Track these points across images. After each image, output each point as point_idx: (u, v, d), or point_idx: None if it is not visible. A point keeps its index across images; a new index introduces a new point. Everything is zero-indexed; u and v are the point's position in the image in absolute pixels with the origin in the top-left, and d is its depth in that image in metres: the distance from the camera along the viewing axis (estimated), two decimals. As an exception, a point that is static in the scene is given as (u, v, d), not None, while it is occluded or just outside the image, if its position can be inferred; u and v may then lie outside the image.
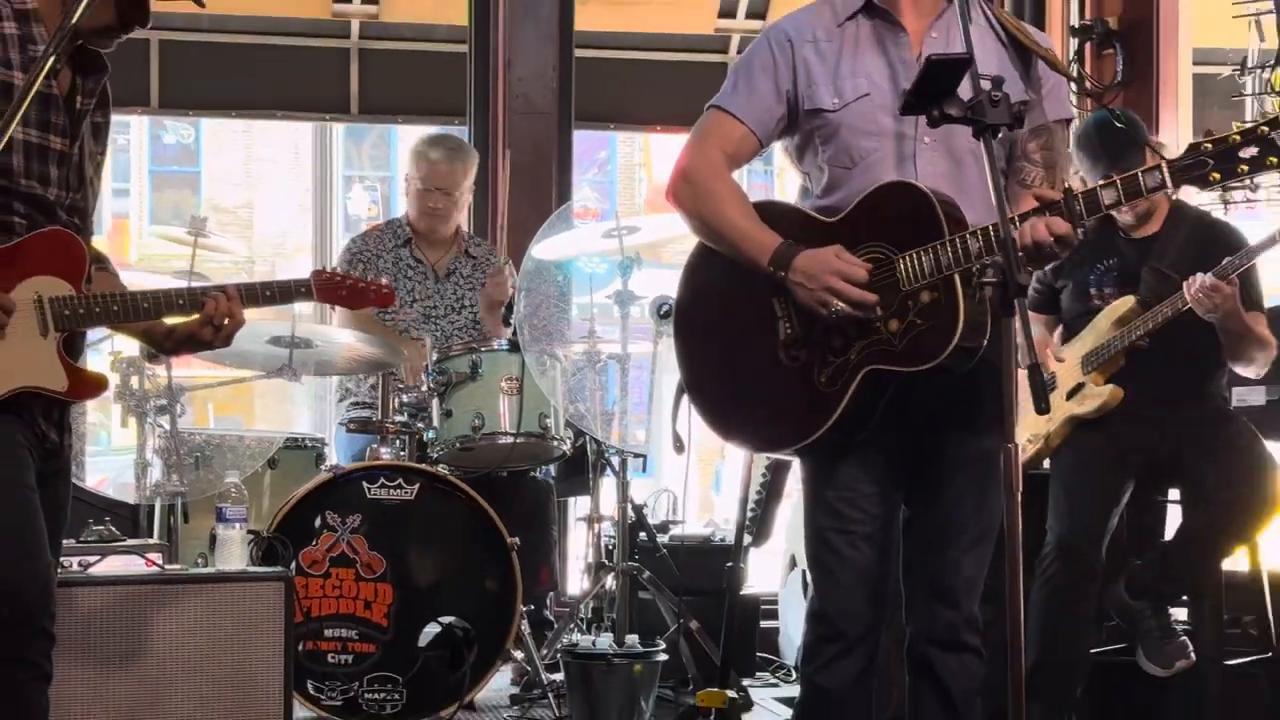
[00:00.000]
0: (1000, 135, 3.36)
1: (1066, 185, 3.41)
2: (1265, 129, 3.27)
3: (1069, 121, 3.79)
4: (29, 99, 3.04)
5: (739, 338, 3.70)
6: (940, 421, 3.59)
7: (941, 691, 3.64)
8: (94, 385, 3.46)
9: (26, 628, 3.23)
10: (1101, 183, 3.35)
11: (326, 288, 3.76)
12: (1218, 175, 3.29)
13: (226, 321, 3.48)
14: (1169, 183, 3.33)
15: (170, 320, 3.53)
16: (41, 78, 3.11)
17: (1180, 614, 5.14)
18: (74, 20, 3.11)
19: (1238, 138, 3.28)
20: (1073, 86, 5.67)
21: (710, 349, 3.80)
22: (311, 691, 4.69)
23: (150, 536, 5.01)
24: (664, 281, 5.03)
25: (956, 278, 3.36)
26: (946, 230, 3.37)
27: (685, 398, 3.93)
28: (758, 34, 4.02)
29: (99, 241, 3.69)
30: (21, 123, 3.19)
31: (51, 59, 3.12)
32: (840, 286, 3.41)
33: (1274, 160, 3.26)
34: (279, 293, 3.70)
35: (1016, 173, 3.61)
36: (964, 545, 3.62)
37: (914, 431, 3.60)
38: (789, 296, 3.54)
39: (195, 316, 3.48)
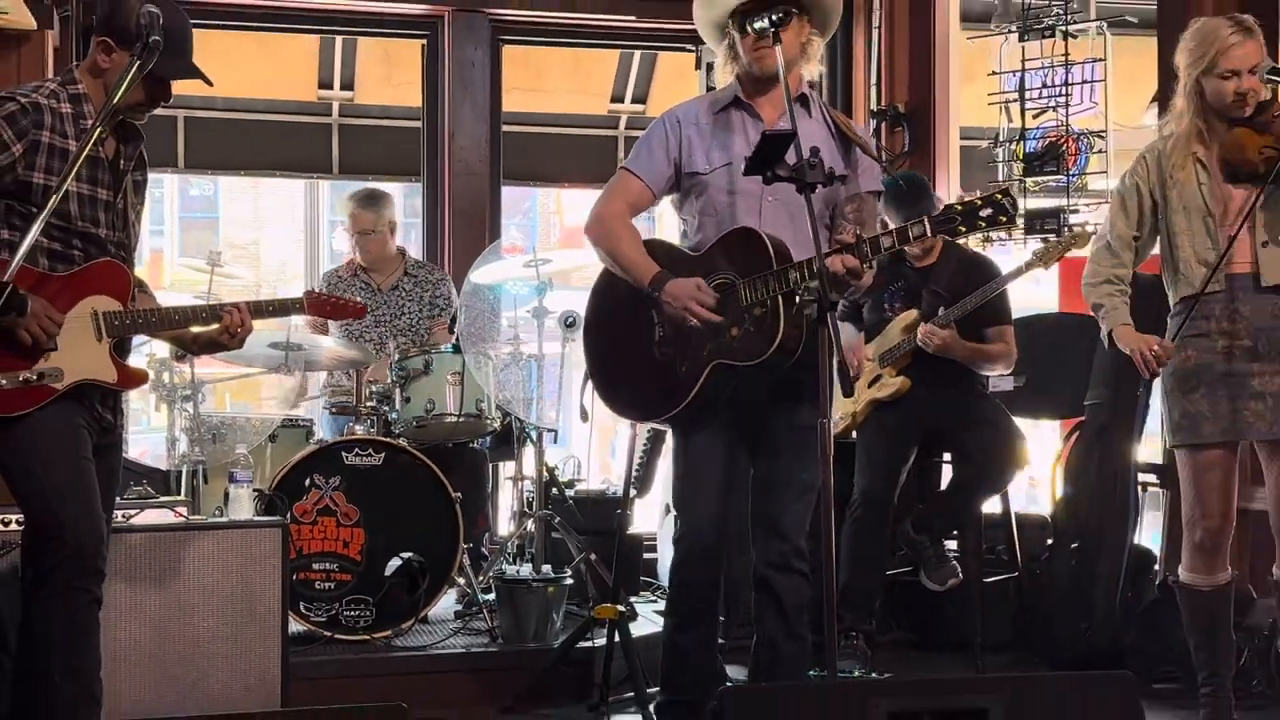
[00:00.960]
0: (817, 192, 3.46)
1: (858, 233, 3.49)
2: (999, 196, 3.41)
3: (879, 193, 3.90)
4: (80, 160, 3.08)
5: (626, 338, 3.80)
6: (771, 402, 3.70)
7: (777, 603, 3.71)
8: (138, 378, 3.49)
9: (87, 564, 3.24)
10: (881, 232, 3.48)
11: (315, 304, 3.83)
12: (964, 229, 3.43)
13: (239, 330, 3.52)
14: (929, 233, 3.46)
15: (196, 329, 3.57)
16: (90, 145, 3.14)
17: (951, 545, 5.18)
18: (115, 101, 3.15)
19: (979, 202, 3.42)
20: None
21: (606, 345, 3.91)
22: (302, 610, 4.63)
23: (178, 495, 4.97)
24: (571, 300, 5.06)
25: (780, 299, 3.49)
26: (775, 263, 3.51)
27: (589, 382, 4.02)
28: (640, 114, 4.10)
29: (140, 270, 3.69)
30: (75, 179, 3.24)
31: (98, 131, 3.15)
32: (695, 309, 3.54)
33: (1004, 219, 3.41)
34: (279, 308, 3.74)
35: (837, 228, 3.70)
36: (792, 494, 3.70)
37: (751, 409, 3.70)
38: (663, 310, 3.64)
39: (215, 326, 3.52)
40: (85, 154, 3.13)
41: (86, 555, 3.22)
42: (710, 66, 6.09)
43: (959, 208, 3.42)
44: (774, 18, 3.54)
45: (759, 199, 3.67)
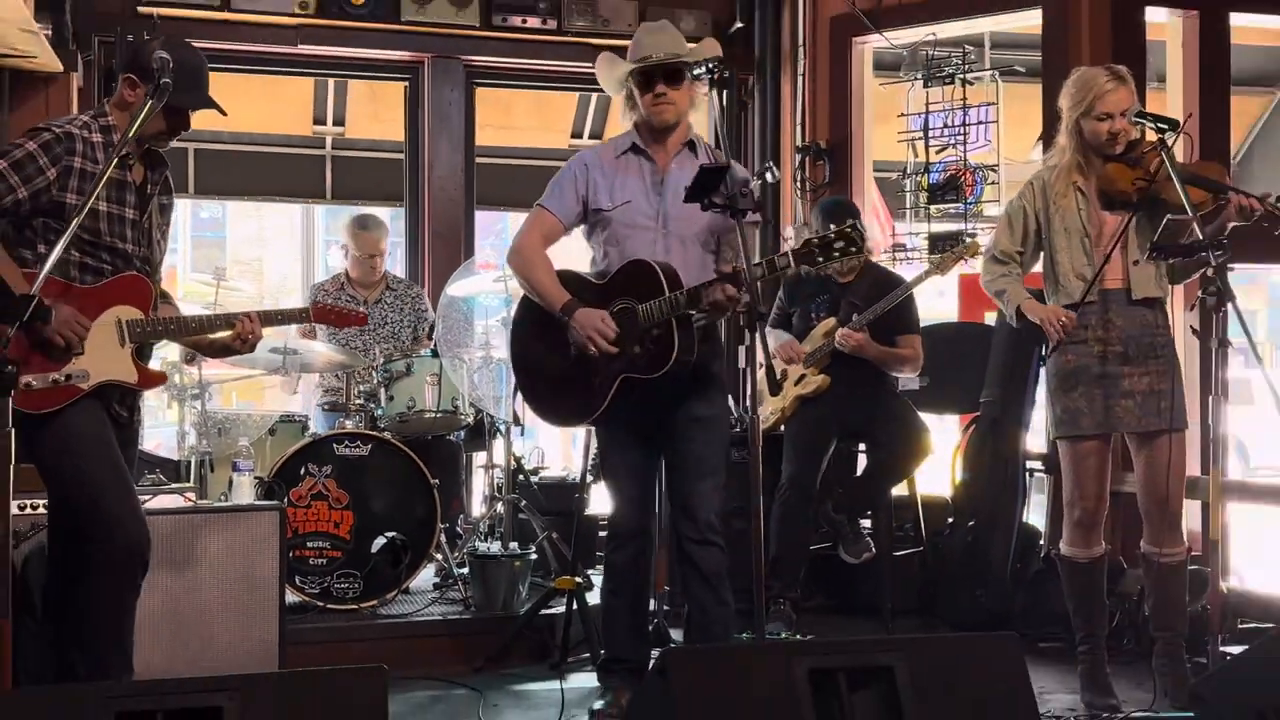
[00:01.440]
0: (704, 223, 3.70)
1: (736, 264, 3.56)
2: (848, 230, 3.49)
3: (756, 223, 3.95)
4: (103, 181, 3.08)
5: (546, 355, 3.84)
6: (674, 401, 3.75)
7: (698, 571, 3.77)
8: (157, 379, 3.47)
9: (137, 560, 3.24)
10: (755, 263, 3.52)
11: (321, 314, 3.77)
12: (821, 259, 3.53)
13: (250, 336, 3.49)
14: (793, 264, 3.59)
15: (212, 335, 3.53)
16: (113, 169, 3.16)
17: (866, 523, 5.19)
18: (131, 133, 3.15)
19: (833, 235, 3.50)
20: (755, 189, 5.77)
21: (529, 362, 3.94)
22: (298, 583, 4.61)
23: (188, 482, 4.92)
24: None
25: (674, 320, 3.59)
26: (667, 289, 3.59)
27: (518, 393, 4.06)
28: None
29: (164, 283, 3.67)
30: (106, 200, 3.26)
31: (122, 155, 3.14)
32: (597, 340, 3.63)
33: (853, 249, 3.49)
34: (288, 317, 3.73)
35: (722, 256, 3.82)
36: (699, 476, 3.76)
37: (658, 408, 3.75)
38: (572, 334, 3.70)
39: (229, 333, 3.49)
40: (109, 177, 3.15)
41: (137, 553, 3.23)
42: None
43: (816, 241, 3.53)
44: (709, 65, 3.57)
45: (655, 232, 3.76)
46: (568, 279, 3.80)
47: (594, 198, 3.80)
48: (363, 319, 3.96)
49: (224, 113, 3.40)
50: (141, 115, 3.13)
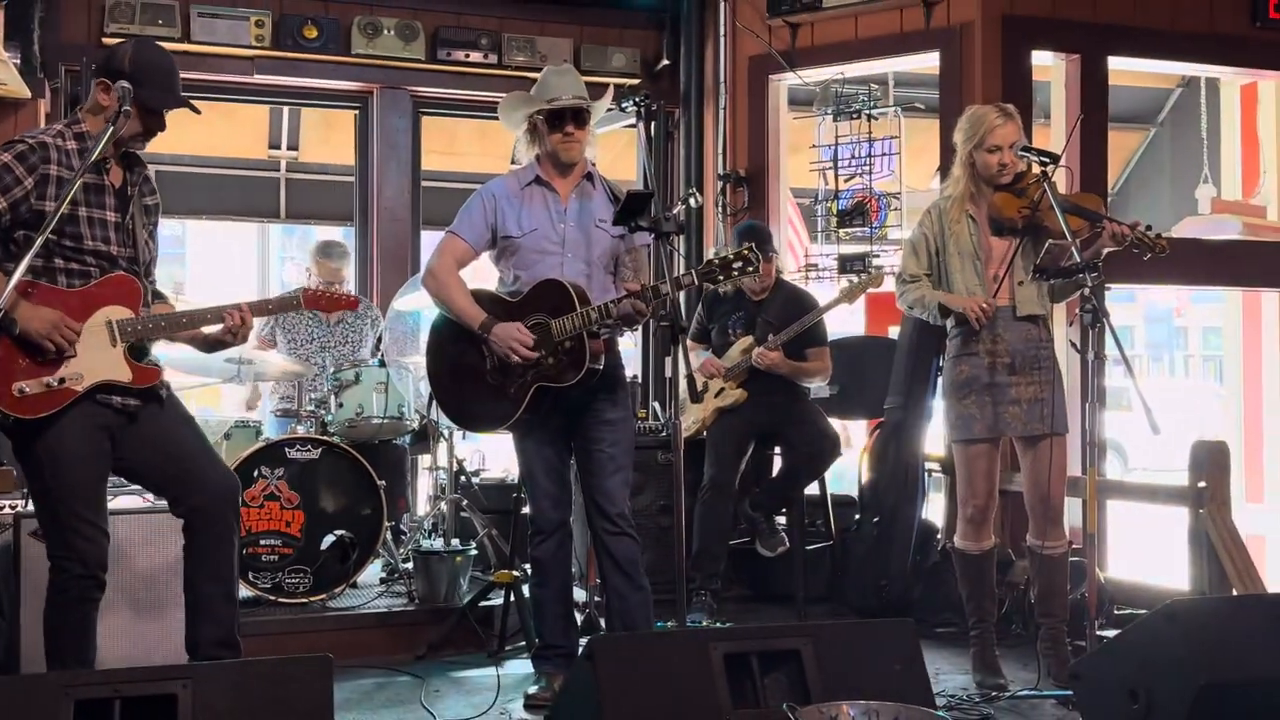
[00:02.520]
0: (606, 246, 3.79)
1: (643, 282, 3.66)
2: (745, 251, 3.56)
3: (647, 245, 3.99)
4: (75, 185, 3.00)
5: (463, 368, 3.84)
6: (584, 406, 3.80)
7: (613, 559, 3.81)
8: (151, 375, 3.24)
9: (92, 580, 3.16)
10: (658, 281, 3.57)
11: (312, 299, 3.55)
12: (721, 277, 3.60)
13: (240, 328, 3.35)
14: (695, 282, 3.67)
15: (205, 330, 3.39)
16: (87, 173, 3.05)
17: (781, 520, 5.20)
18: (108, 136, 3.06)
19: (731, 256, 3.57)
20: (679, 213, 5.81)
21: (447, 376, 3.92)
22: (251, 579, 4.56)
23: (148, 483, 4.84)
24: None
25: (584, 333, 3.63)
26: (578, 306, 3.64)
27: (433, 402, 4.05)
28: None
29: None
30: (86, 205, 3.13)
31: (92, 160, 3.04)
32: (518, 348, 3.66)
33: (750, 268, 3.57)
34: (279, 304, 3.56)
35: (621, 275, 3.87)
36: (610, 473, 3.80)
37: (570, 413, 3.80)
38: (490, 347, 3.71)
39: (219, 327, 3.36)
40: (85, 181, 3.04)
41: (92, 570, 3.14)
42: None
43: (717, 262, 3.61)
44: (635, 100, 3.64)
45: (560, 255, 3.81)
46: (482, 297, 3.83)
47: (502, 225, 3.83)
48: (354, 302, 3.78)
49: (196, 110, 3.30)
50: (105, 137, 3.04)
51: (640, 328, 3.77)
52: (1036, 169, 3.89)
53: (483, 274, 4.04)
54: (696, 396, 3.60)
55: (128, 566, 3.93)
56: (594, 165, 3.94)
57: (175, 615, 3.93)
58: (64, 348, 3.05)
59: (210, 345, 3.45)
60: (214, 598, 3.31)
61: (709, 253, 6.28)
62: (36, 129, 3.25)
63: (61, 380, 3.07)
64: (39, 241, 2.90)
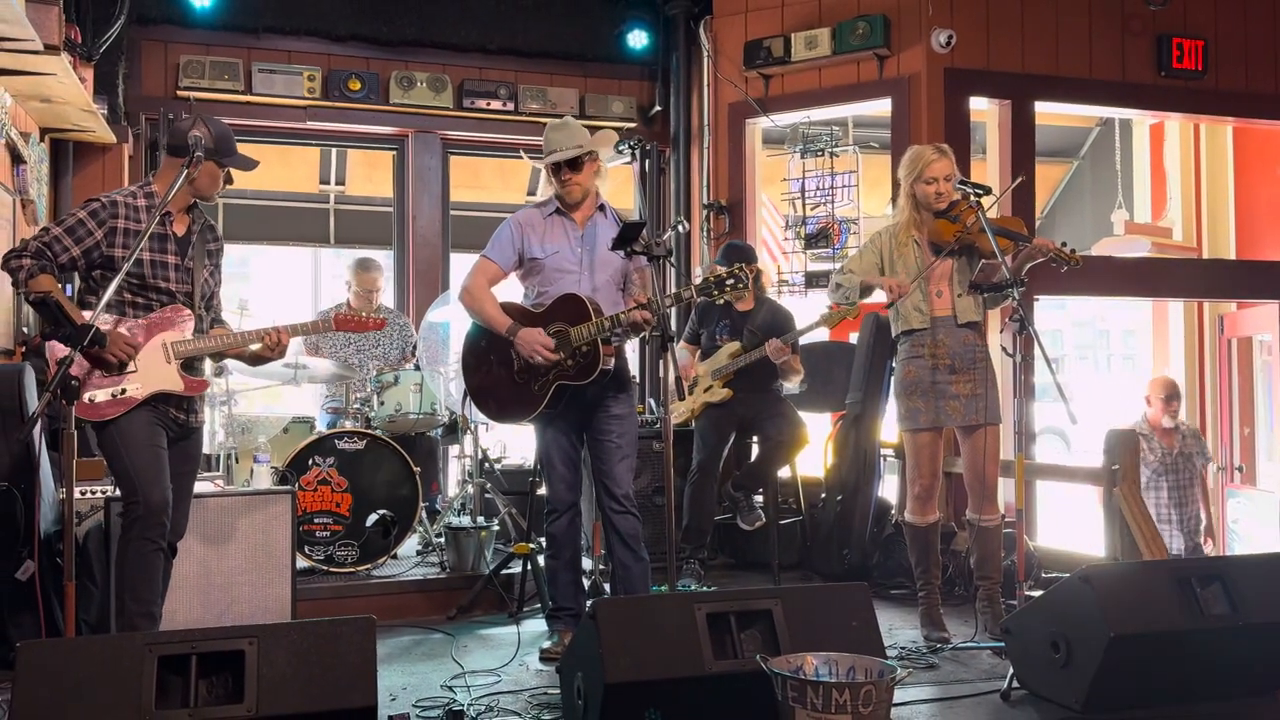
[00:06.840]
0: (618, 265, 3.77)
1: (648, 295, 3.67)
2: (737, 270, 3.56)
3: (651, 266, 4.00)
4: (146, 236, 3.11)
5: (493, 369, 3.87)
6: (596, 402, 3.80)
7: (619, 534, 3.80)
8: (201, 385, 3.35)
9: (153, 520, 3.18)
10: (665, 295, 3.59)
11: (341, 321, 3.58)
12: (716, 292, 3.59)
13: (277, 345, 3.42)
14: (694, 296, 3.65)
15: (251, 348, 3.45)
16: (155, 225, 3.16)
17: (758, 498, 5.19)
18: (171, 194, 3.20)
19: (724, 275, 3.56)
20: (669, 238, 5.83)
21: (480, 376, 3.94)
22: (306, 551, 4.59)
23: (218, 471, 4.88)
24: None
25: (598, 339, 3.65)
26: (594, 316, 3.66)
27: (468, 399, 4.06)
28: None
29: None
30: (150, 250, 3.26)
31: (159, 216, 3.14)
32: (541, 351, 3.68)
33: (741, 285, 3.56)
34: (312, 327, 3.58)
35: (630, 292, 3.87)
36: (617, 460, 3.80)
37: (584, 408, 3.81)
38: (517, 350, 3.73)
39: (259, 345, 3.42)
40: (150, 232, 3.15)
41: (154, 513, 3.17)
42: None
43: (713, 280, 3.61)
44: (629, 144, 3.65)
45: (577, 274, 3.83)
46: (511, 309, 3.85)
47: (528, 249, 3.86)
48: (381, 323, 3.75)
49: (256, 164, 3.42)
50: (176, 184, 3.22)
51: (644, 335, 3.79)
52: (974, 197, 3.90)
53: (508, 292, 4.07)
54: (682, 394, 3.63)
55: (199, 542, 3.97)
56: (605, 200, 3.97)
57: (241, 584, 4.01)
58: (124, 361, 3.17)
59: (254, 360, 3.53)
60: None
61: (696, 271, 6.31)
62: (114, 190, 3.34)
63: (124, 390, 3.19)
64: (115, 281, 3.05)
